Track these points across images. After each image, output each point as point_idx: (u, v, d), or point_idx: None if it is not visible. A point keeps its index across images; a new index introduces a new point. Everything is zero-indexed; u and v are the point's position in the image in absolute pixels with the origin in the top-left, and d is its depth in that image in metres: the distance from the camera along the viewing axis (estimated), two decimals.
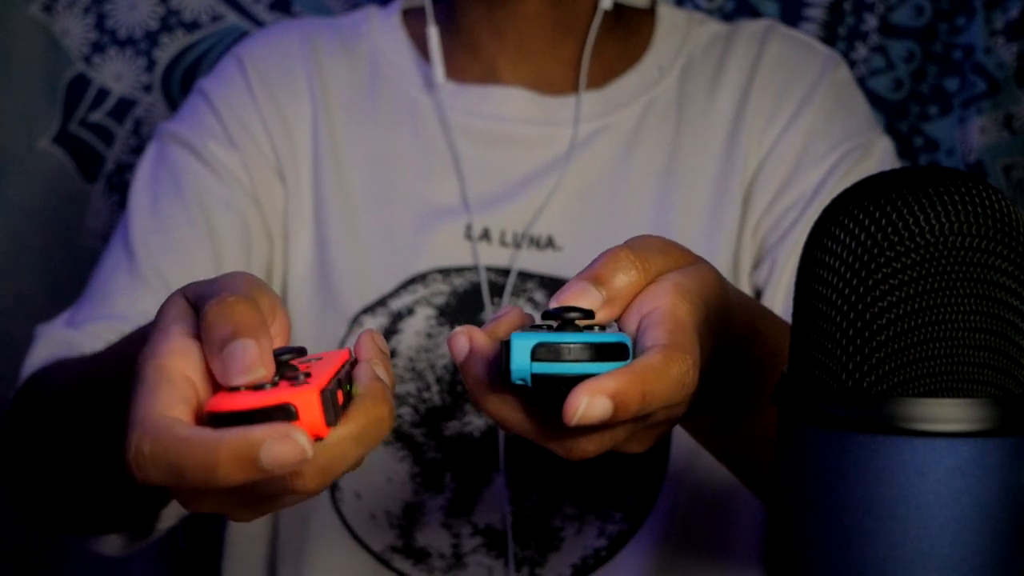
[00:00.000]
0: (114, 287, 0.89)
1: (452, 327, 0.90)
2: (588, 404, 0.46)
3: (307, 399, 0.45)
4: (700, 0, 1.16)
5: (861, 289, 0.43)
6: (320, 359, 0.52)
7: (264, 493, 0.48)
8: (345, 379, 0.50)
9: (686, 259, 0.56)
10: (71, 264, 1.19)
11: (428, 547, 0.90)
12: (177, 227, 0.91)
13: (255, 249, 0.93)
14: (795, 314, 0.47)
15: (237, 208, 0.92)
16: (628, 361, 0.49)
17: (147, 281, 0.89)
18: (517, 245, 0.91)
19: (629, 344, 0.49)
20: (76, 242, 1.22)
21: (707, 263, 0.57)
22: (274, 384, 0.47)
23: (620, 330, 0.53)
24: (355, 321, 0.90)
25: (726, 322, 0.57)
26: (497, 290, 0.90)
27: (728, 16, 1.16)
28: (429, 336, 0.90)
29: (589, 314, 0.50)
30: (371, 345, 0.54)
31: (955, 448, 0.42)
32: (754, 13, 1.16)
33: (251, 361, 0.47)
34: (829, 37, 1.16)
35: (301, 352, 0.51)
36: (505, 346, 0.48)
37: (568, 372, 0.47)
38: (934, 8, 1.15)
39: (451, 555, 0.90)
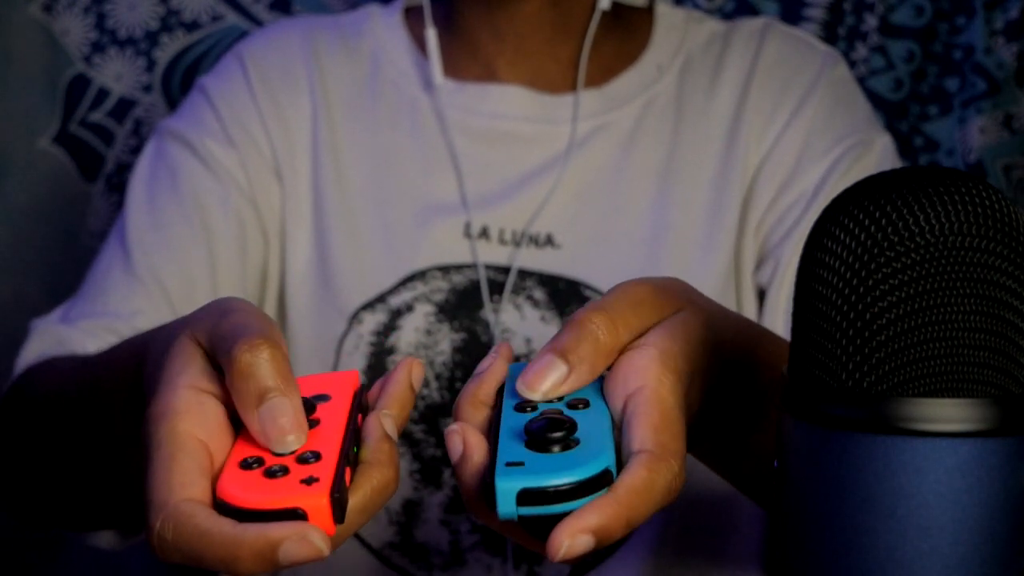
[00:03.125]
0: (109, 284, 0.90)
1: (451, 324, 0.90)
2: (570, 545, 0.46)
3: (317, 503, 0.47)
4: (700, 0, 1.16)
5: (861, 289, 0.43)
6: (328, 399, 0.53)
7: None
8: (351, 443, 0.51)
9: (671, 305, 0.55)
10: (71, 264, 1.19)
11: (427, 544, 0.90)
12: (173, 225, 0.91)
13: (250, 248, 0.93)
14: (795, 314, 0.47)
15: (233, 207, 0.92)
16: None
17: (141, 279, 0.89)
18: (516, 243, 0.91)
19: (613, 467, 0.49)
20: (76, 242, 1.23)
21: (693, 305, 0.56)
22: (284, 470, 0.48)
23: (603, 393, 0.53)
24: (354, 318, 0.90)
25: (718, 362, 0.56)
26: (496, 288, 0.90)
27: (728, 16, 1.16)
28: (428, 333, 0.90)
29: (572, 427, 0.50)
30: (402, 382, 0.55)
31: (955, 448, 0.42)
32: (754, 13, 1.16)
33: (288, 427, 0.49)
34: (829, 37, 1.16)
35: (309, 407, 0.52)
36: (490, 487, 0.48)
37: (555, 512, 0.47)
38: (934, 8, 1.15)
39: (450, 552, 0.90)
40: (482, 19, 0.94)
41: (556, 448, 0.49)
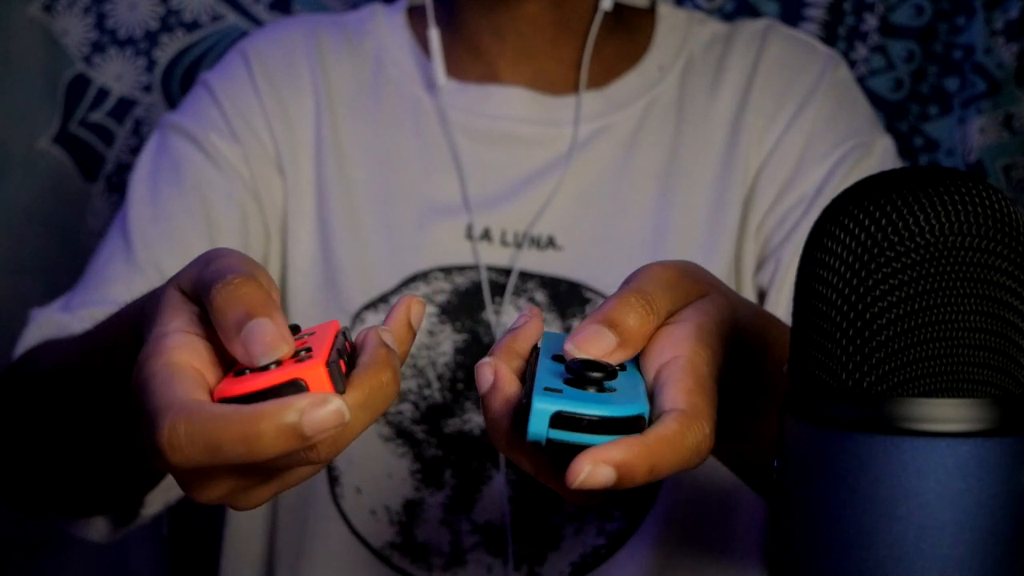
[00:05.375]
0: (110, 274, 0.90)
1: (453, 325, 0.90)
2: (590, 472, 0.46)
3: (314, 372, 0.47)
4: (700, 0, 1.16)
5: (861, 289, 0.43)
6: (313, 334, 0.53)
7: (276, 467, 0.49)
8: (343, 349, 0.51)
9: (698, 288, 0.56)
10: (71, 264, 1.19)
11: (427, 544, 0.90)
12: (175, 217, 0.91)
13: (252, 242, 0.93)
14: (795, 314, 0.47)
15: (236, 200, 0.92)
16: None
17: (142, 269, 0.89)
18: (518, 245, 0.91)
19: (647, 414, 0.49)
20: (76, 242, 1.23)
21: (717, 289, 0.57)
22: (277, 363, 0.48)
23: (639, 367, 0.53)
24: (357, 317, 0.90)
25: (737, 346, 0.57)
26: (498, 289, 0.90)
27: (728, 16, 1.16)
28: (430, 334, 0.90)
29: (612, 374, 0.50)
30: (400, 319, 0.55)
31: (955, 448, 0.42)
32: (754, 13, 1.16)
33: (271, 339, 0.48)
34: (829, 37, 1.16)
35: (295, 329, 0.52)
36: (526, 407, 0.48)
37: (582, 442, 0.48)
38: (934, 8, 1.15)
39: (450, 552, 0.90)
40: (484, 20, 0.94)
41: (593, 388, 0.50)
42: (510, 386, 0.51)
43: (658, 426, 0.48)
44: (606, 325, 0.52)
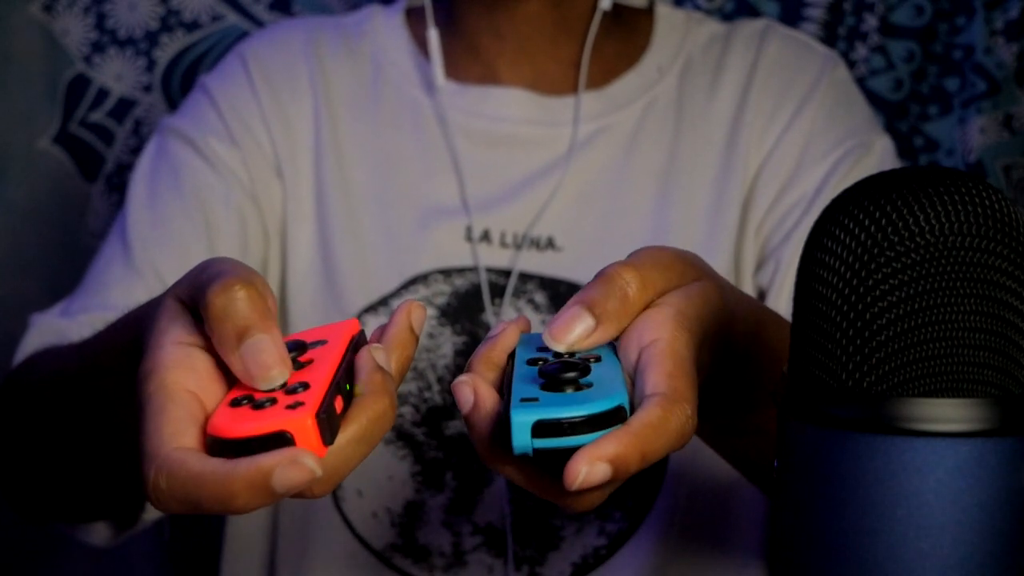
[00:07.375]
0: (109, 278, 0.90)
1: (453, 327, 0.90)
2: (588, 472, 0.47)
3: (302, 425, 0.46)
4: (700, 0, 1.16)
5: (861, 289, 0.43)
6: (325, 343, 0.53)
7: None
8: (344, 378, 0.50)
9: (692, 274, 0.56)
10: (71, 264, 1.19)
11: (428, 545, 0.90)
12: (174, 221, 0.91)
13: (251, 246, 0.93)
14: (795, 314, 0.47)
15: (235, 204, 0.92)
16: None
17: (141, 273, 0.89)
18: (518, 246, 0.91)
19: (627, 405, 0.49)
20: (76, 242, 1.23)
21: (711, 278, 0.57)
22: (272, 401, 0.48)
23: (616, 351, 0.53)
24: (357, 320, 0.90)
25: (728, 336, 0.56)
26: (498, 291, 0.90)
27: (728, 16, 1.16)
28: (431, 336, 0.90)
29: (585, 369, 0.50)
30: (402, 324, 0.55)
31: (955, 448, 0.42)
32: (754, 13, 1.16)
33: (271, 362, 0.48)
34: (829, 37, 1.16)
35: (301, 347, 0.52)
36: (505, 421, 0.48)
37: (569, 445, 0.48)
38: (934, 8, 1.15)
39: (451, 554, 0.90)
40: (483, 20, 0.94)
41: (569, 388, 0.50)
42: (491, 403, 0.51)
43: (641, 413, 0.49)
44: (585, 308, 0.52)
